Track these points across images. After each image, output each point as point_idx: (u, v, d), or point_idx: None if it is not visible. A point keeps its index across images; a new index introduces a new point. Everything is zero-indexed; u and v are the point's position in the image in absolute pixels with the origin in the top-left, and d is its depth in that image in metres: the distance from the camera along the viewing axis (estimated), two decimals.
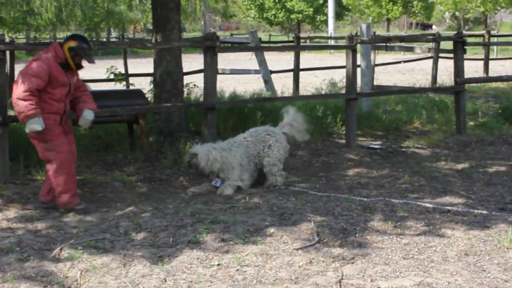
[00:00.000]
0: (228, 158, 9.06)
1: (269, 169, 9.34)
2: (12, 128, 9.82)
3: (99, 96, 10.94)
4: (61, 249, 6.57)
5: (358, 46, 12.40)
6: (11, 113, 9.53)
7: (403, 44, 23.96)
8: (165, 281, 5.86)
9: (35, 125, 7.60)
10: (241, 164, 9.18)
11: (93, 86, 16.56)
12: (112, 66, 14.36)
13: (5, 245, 6.70)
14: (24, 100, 7.51)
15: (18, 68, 9.80)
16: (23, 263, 6.24)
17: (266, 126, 9.85)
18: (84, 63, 8.11)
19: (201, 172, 9.00)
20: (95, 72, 18.88)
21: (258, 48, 17.33)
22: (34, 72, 7.61)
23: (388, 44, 17.94)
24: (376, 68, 19.47)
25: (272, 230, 7.23)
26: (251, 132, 9.66)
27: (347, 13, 71.27)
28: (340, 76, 18.04)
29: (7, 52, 9.78)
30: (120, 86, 15.22)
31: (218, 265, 6.26)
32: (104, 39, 52.14)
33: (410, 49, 22.89)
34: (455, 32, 14.51)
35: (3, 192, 8.40)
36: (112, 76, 14.33)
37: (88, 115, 8.14)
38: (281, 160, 9.46)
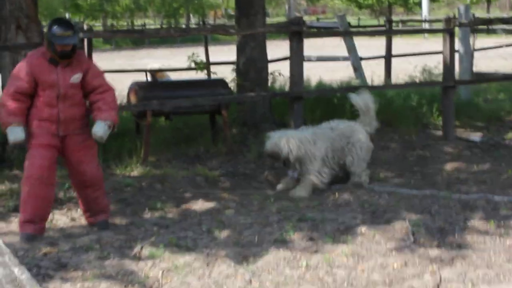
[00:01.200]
0: (311, 149, 8.79)
1: (354, 169, 9.09)
2: (91, 120, 10.02)
3: (179, 85, 11.16)
4: (141, 247, 6.66)
5: (456, 29, 12.17)
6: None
7: (505, 26, 23.35)
8: (250, 282, 5.87)
9: (14, 135, 6.77)
10: (324, 158, 8.93)
11: (173, 76, 16.81)
12: (193, 54, 14.42)
13: (84, 242, 6.84)
14: (2, 105, 6.80)
15: (96, 57, 9.92)
16: (103, 261, 6.34)
17: (349, 121, 9.52)
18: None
19: (278, 160, 8.88)
20: (175, 61, 19.10)
21: (347, 33, 17.23)
22: (14, 73, 6.96)
23: (489, 27, 17.53)
24: (476, 53, 19.05)
25: (363, 229, 7.17)
26: (334, 124, 9.34)
27: None
28: (435, 63, 17.73)
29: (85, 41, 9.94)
30: (201, 75, 15.34)
31: (306, 266, 6.24)
32: (184, 26, 52.74)
33: None
34: None
35: None
36: (193, 65, 14.43)
37: (97, 130, 6.93)
38: (365, 159, 9.19)
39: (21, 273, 0.89)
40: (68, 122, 6.93)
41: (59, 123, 6.88)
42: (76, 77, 6.91)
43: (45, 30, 7.10)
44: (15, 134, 6.73)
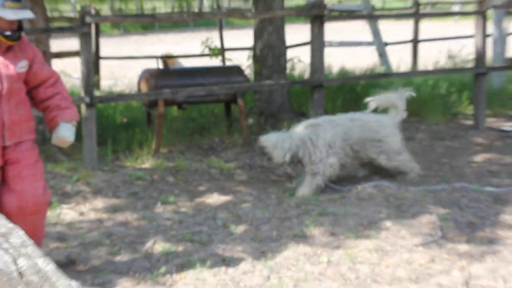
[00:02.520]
0: (310, 147, 8.46)
1: (393, 164, 8.98)
2: (99, 109, 10.11)
3: (193, 73, 11.19)
4: (154, 243, 6.76)
5: (489, 11, 12.14)
6: (97, 93, 9.80)
7: None
8: (269, 278, 5.94)
9: None
10: (330, 146, 8.51)
11: (185, 62, 16.87)
12: (207, 39, 14.43)
13: (94, 237, 6.95)
14: None
15: (103, 43, 9.98)
16: (114, 257, 6.46)
17: (377, 115, 9.13)
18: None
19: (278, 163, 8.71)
20: (187, 46, 19.14)
21: (371, 16, 17.22)
22: None
23: None
24: (510, 38, 18.98)
25: (388, 223, 7.23)
26: (357, 115, 9.02)
27: None
28: (466, 48, 17.70)
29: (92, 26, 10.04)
30: (215, 61, 15.37)
31: (328, 261, 6.31)
32: (196, 9, 52.70)
33: None
34: None
35: (90, 180, 8.67)
36: (207, 51, 14.44)
37: (64, 133, 5.75)
38: (400, 152, 9.02)
39: (46, 265, 0.96)
40: (14, 128, 5.54)
41: (4, 129, 5.48)
42: (23, 66, 5.58)
43: None
44: None
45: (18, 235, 1.27)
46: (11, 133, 5.49)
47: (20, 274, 1.03)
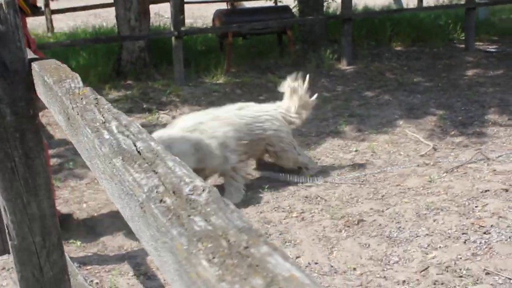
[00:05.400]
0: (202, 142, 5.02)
1: (287, 163, 5.64)
2: (184, 41, 10.05)
3: (253, 12, 11.09)
4: None
5: None
6: (183, 28, 9.71)
7: None
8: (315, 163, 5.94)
9: None
10: (224, 145, 5.17)
11: (247, 4, 16.61)
12: None
13: None
14: None
15: None
16: None
17: (268, 105, 5.94)
18: None
19: None
20: None
21: None
22: None
23: None
24: None
25: (401, 122, 7.14)
26: (244, 111, 5.55)
27: None
28: None
29: None
30: (269, 2, 15.13)
31: (356, 151, 6.28)
32: None
33: None
34: None
35: (179, 92, 8.68)
36: None
37: None
38: (291, 149, 5.62)
39: (156, 145, 0.94)
40: None
41: None
42: None
43: None
44: None
45: (136, 125, 1.26)
46: None
47: (139, 152, 1.04)
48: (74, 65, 9.39)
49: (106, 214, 4.85)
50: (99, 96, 1.62)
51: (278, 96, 8.61)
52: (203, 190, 0.91)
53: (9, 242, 2.28)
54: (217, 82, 9.37)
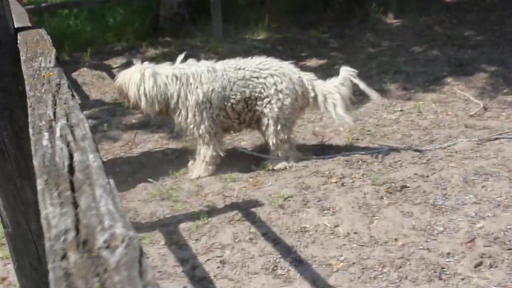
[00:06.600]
0: (181, 91, 4.60)
1: (269, 140, 4.86)
2: None
3: None
4: None
5: None
6: None
7: None
8: (355, 123, 5.74)
9: None
10: (200, 104, 4.60)
11: None
12: None
13: None
14: None
15: None
16: None
17: (282, 62, 4.91)
18: None
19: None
20: None
21: None
22: None
23: None
24: None
25: (449, 79, 6.84)
26: (249, 62, 4.81)
27: None
28: None
29: None
30: None
31: (401, 111, 6.05)
32: None
33: None
34: None
35: (218, 49, 8.53)
36: None
37: None
38: (288, 123, 4.84)
39: (93, 161, 0.84)
40: None
41: None
42: None
43: None
44: None
45: (83, 127, 1.14)
46: None
47: (70, 171, 0.92)
48: (111, 22, 9.30)
49: (140, 179, 4.78)
50: (63, 81, 1.52)
51: (321, 53, 8.42)
52: (122, 242, 0.75)
53: (3, 230, 2.19)
54: (258, 38, 9.19)
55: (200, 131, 4.68)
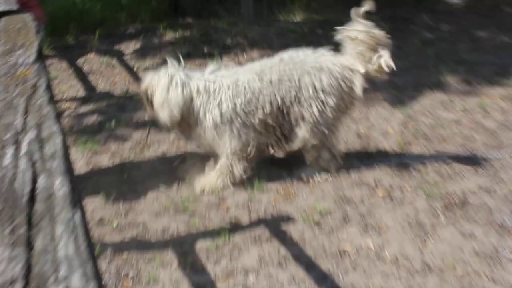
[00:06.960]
0: (200, 108, 4.41)
1: (303, 138, 4.60)
2: None
3: None
4: None
5: None
6: None
7: None
8: (406, 124, 5.63)
9: None
10: (218, 124, 4.44)
11: None
12: None
13: None
14: None
15: None
16: None
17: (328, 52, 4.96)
18: None
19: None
20: None
21: None
22: None
23: None
24: None
25: None
26: (293, 54, 4.75)
27: None
28: None
29: None
30: None
31: (463, 110, 5.91)
32: None
33: None
34: None
35: (248, 33, 8.44)
36: None
37: None
38: (331, 122, 4.62)
39: (60, 187, 0.80)
40: None
41: None
42: None
43: None
44: None
45: (56, 141, 1.09)
46: None
47: (31, 198, 0.88)
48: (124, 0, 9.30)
49: (151, 187, 4.72)
50: (41, 82, 1.46)
51: None
52: None
53: None
54: (294, 20, 9.11)
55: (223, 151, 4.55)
